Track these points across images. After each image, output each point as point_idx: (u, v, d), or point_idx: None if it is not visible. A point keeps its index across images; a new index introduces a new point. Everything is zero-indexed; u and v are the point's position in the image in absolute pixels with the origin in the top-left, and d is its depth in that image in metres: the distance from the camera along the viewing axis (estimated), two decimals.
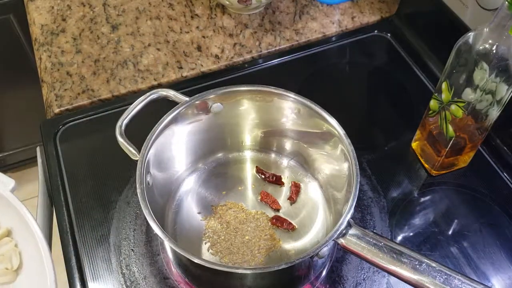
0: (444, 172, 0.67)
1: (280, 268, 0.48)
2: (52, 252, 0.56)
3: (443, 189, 0.67)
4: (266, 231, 0.60)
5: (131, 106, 0.58)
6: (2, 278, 0.44)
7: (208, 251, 0.59)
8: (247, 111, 0.64)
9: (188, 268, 0.56)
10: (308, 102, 0.59)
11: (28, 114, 1.32)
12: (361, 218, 0.63)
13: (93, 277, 0.59)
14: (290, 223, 0.60)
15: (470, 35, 0.55)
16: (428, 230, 0.63)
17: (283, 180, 0.65)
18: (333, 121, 0.58)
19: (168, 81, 0.78)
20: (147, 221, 0.58)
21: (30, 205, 0.60)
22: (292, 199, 0.63)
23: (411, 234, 0.63)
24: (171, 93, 0.60)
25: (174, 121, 0.59)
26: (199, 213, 0.62)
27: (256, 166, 0.66)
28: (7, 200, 0.48)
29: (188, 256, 0.48)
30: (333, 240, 0.50)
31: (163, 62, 0.79)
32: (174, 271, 0.59)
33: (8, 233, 0.48)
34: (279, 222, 0.60)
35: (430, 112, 0.63)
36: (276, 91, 0.61)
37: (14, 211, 0.47)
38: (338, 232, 0.50)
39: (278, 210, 0.62)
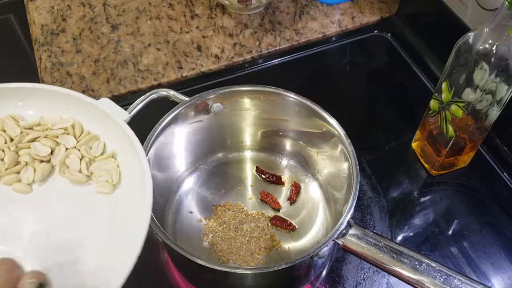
0: (444, 172, 0.67)
1: (280, 268, 0.48)
2: None
3: (443, 189, 0.67)
4: (266, 231, 0.60)
5: (131, 106, 0.58)
6: (102, 188, 0.52)
7: (208, 251, 0.59)
8: (247, 111, 0.64)
9: (188, 268, 0.56)
10: (308, 102, 0.60)
11: None
12: (361, 218, 0.63)
13: None
14: (290, 223, 0.60)
15: (470, 35, 0.55)
16: (428, 230, 0.63)
17: (283, 180, 0.65)
18: (333, 121, 0.58)
19: (168, 81, 0.78)
20: None
21: None
22: (292, 199, 0.63)
23: (411, 234, 0.63)
24: (171, 93, 0.60)
25: (174, 121, 0.59)
26: (191, 212, 0.62)
27: (256, 166, 0.66)
28: (121, 128, 0.53)
29: (188, 256, 0.48)
30: (333, 240, 0.50)
31: (163, 62, 0.79)
32: (174, 271, 0.59)
33: (113, 155, 0.54)
34: (279, 222, 0.60)
35: (430, 112, 0.63)
36: (276, 91, 0.61)
37: (125, 138, 0.52)
38: (338, 232, 0.50)
39: (278, 209, 0.62)
